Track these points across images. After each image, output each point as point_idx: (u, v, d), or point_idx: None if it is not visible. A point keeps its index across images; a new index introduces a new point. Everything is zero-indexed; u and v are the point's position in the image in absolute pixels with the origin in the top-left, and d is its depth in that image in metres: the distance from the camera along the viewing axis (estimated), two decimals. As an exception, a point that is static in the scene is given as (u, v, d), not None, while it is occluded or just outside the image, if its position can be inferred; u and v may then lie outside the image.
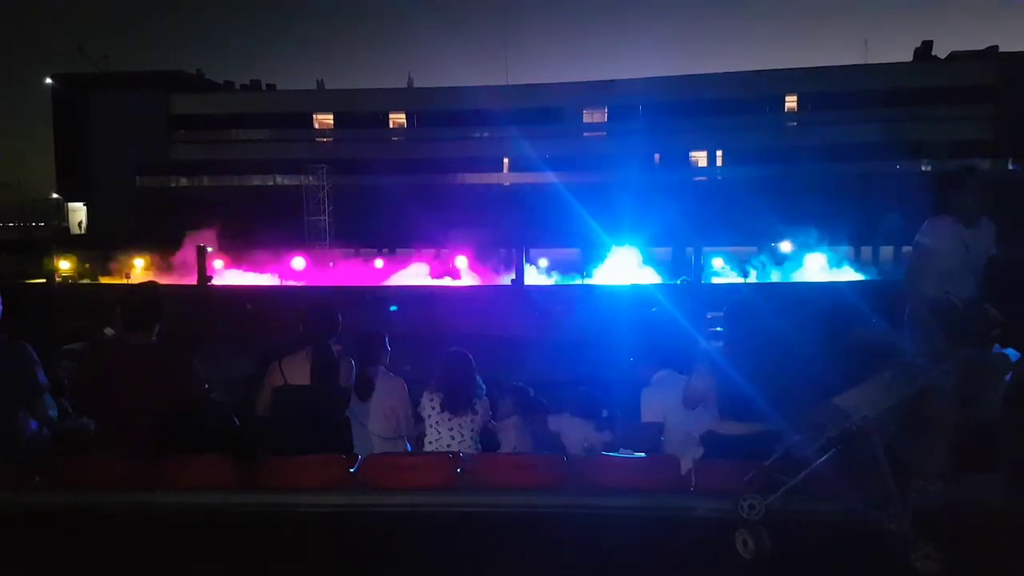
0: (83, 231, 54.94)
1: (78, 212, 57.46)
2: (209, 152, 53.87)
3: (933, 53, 50.98)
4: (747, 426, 4.14)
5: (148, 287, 4.97)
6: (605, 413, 5.49)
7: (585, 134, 52.92)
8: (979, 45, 49.34)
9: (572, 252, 38.15)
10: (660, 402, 4.95)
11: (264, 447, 4.57)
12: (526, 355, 11.88)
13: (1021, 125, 42.59)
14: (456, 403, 5.10)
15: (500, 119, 50.89)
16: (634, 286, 25.83)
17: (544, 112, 51.41)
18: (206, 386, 4.67)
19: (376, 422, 5.44)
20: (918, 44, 51.57)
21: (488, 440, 5.41)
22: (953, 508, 3.48)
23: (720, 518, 3.58)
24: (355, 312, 6.34)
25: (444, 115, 52.41)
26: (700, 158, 52.45)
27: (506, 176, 53.69)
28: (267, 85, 60.70)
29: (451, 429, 5.09)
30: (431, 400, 5.17)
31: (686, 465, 4.19)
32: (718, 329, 4.35)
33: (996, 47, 48.08)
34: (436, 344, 6.47)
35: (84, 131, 53.45)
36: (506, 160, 53.77)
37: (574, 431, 5.39)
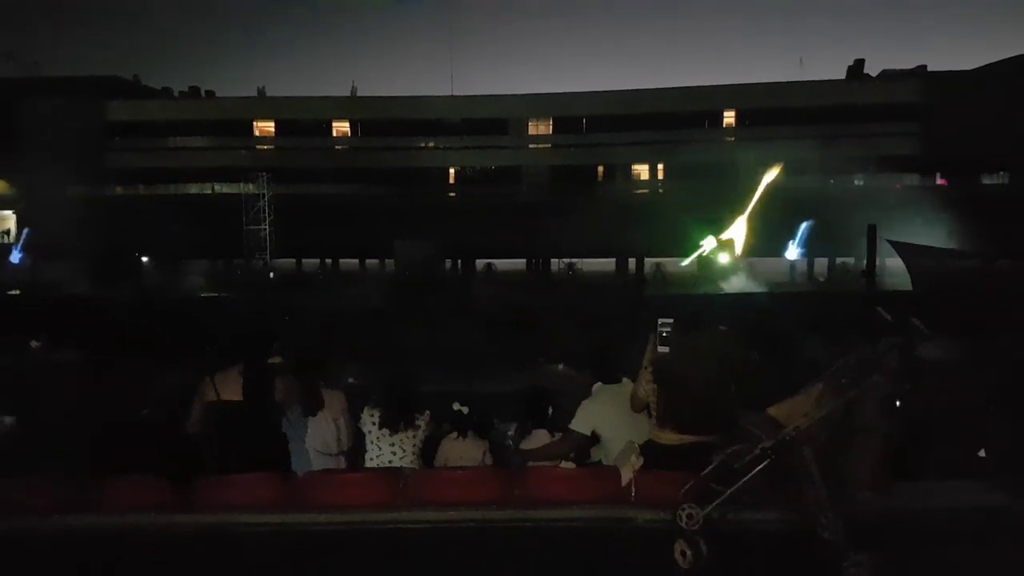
0: (11, 240, 52.94)
1: (6, 220, 55.35)
2: (146, 160, 52.52)
3: (865, 71, 52.75)
4: (685, 436, 4.20)
5: (78, 300, 4.83)
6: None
7: (530, 146, 53.17)
8: (909, 64, 51.27)
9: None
10: (592, 414, 4.89)
11: (199, 466, 4.45)
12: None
13: (948, 142, 44.24)
14: (396, 419, 5.05)
15: (445, 129, 50.91)
16: None
17: (489, 123, 51.54)
18: (139, 403, 4.55)
19: (315, 438, 5.37)
20: (851, 62, 53.40)
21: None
22: (884, 517, 3.58)
23: (660, 528, 3.62)
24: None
25: (389, 124, 52.09)
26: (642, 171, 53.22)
27: (451, 187, 53.56)
28: (206, 92, 59.51)
29: (392, 445, 5.02)
30: (372, 416, 5.10)
31: (627, 476, 4.23)
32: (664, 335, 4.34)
33: (925, 66, 50.01)
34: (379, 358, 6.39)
35: (14, 138, 51.57)
36: (452, 171, 53.71)
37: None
